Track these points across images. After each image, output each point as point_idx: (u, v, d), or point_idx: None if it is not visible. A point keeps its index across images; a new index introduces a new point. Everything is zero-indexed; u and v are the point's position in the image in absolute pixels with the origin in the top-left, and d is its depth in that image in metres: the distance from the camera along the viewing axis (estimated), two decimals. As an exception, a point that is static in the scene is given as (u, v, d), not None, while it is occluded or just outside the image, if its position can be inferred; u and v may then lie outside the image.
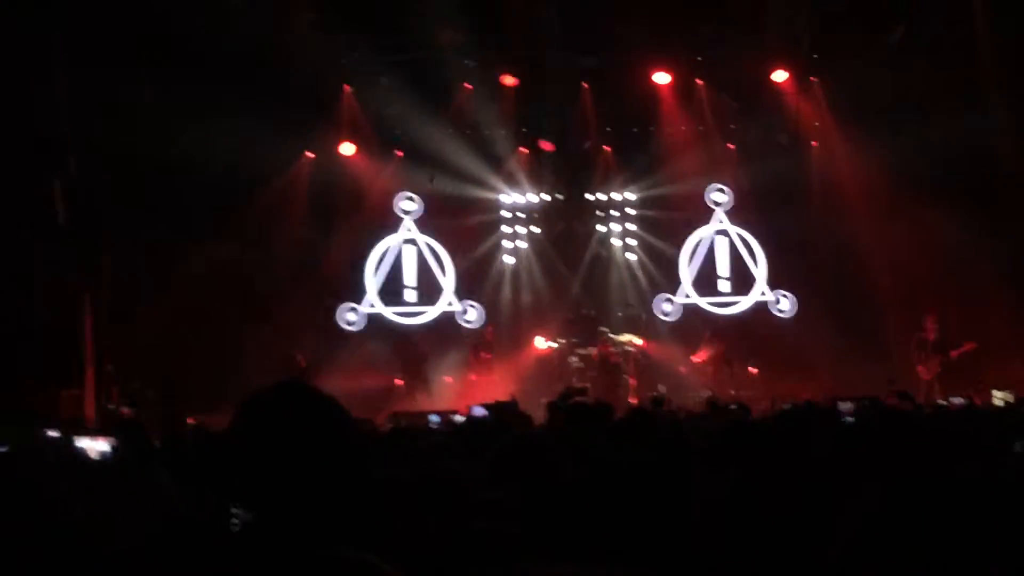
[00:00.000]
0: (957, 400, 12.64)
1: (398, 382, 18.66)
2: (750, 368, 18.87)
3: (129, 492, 4.27)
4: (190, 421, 13.45)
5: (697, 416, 9.88)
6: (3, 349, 14.43)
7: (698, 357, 19.21)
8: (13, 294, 14.78)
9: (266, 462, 2.24)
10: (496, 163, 20.01)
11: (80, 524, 2.89)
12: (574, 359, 19.47)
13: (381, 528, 2.82)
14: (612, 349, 19.06)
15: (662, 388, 17.35)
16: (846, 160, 18.91)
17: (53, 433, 8.67)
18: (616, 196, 20.61)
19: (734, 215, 20.24)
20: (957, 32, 17.00)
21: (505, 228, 20.65)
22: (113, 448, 7.35)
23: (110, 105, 15.18)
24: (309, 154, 19.35)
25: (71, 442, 7.80)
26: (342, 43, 17.95)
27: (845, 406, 9.59)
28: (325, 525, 2.25)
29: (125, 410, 15.11)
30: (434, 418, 12.36)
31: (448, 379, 19.28)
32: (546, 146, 19.61)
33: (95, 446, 7.50)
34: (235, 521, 3.28)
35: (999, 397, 13.66)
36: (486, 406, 10.63)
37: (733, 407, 10.61)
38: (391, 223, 20.01)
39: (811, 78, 19.07)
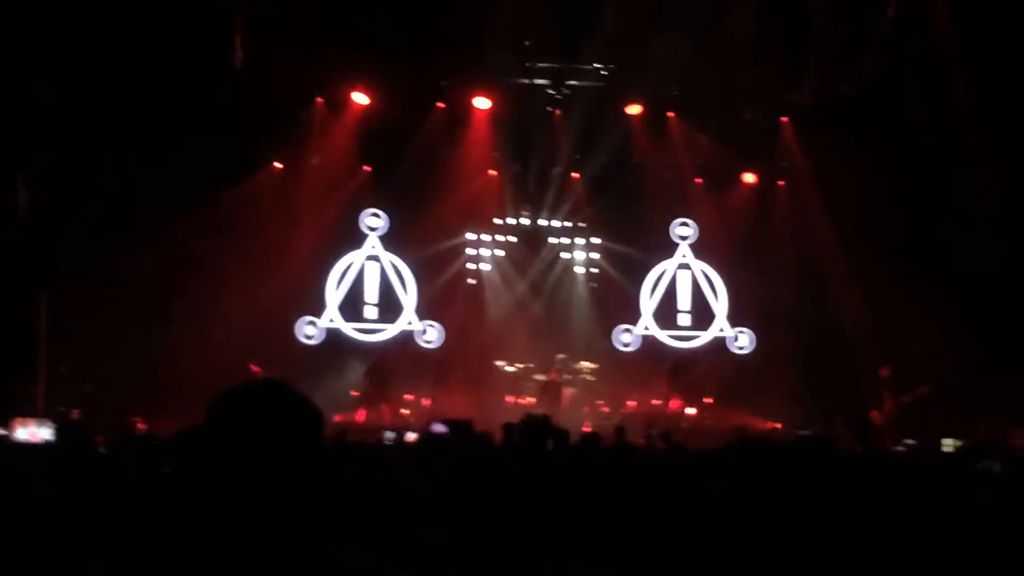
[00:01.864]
0: (909, 442, 12.77)
1: (354, 393, 18.50)
2: (705, 399, 19.03)
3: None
4: (140, 427, 13.28)
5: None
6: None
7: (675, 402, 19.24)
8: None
9: (243, 457, 2.21)
10: (466, 186, 19.91)
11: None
12: (530, 384, 19.47)
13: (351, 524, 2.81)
14: (563, 377, 19.08)
15: (616, 418, 17.36)
16: (814, 203, 19.01)
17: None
18: (582, 224, 20.63)
19: (698, 250, 20.34)
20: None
21: (470, 251, 20.59)
22: (52, 441, 7.24)
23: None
24: (277, 165, 19.23)
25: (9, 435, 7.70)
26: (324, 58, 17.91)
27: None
28: (297, 519, 2.21)
29: (75, 412, 14.88)
30: (389, 434, 12.29)
31: (408, 397, 19.18)
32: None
33: (37, 434, 7.41)
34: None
35: (948, 444, 13.83)
36: (446, 422, 10.58)
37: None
38: (355, 238, 19.90)
39: (782, 119, 19.23)
